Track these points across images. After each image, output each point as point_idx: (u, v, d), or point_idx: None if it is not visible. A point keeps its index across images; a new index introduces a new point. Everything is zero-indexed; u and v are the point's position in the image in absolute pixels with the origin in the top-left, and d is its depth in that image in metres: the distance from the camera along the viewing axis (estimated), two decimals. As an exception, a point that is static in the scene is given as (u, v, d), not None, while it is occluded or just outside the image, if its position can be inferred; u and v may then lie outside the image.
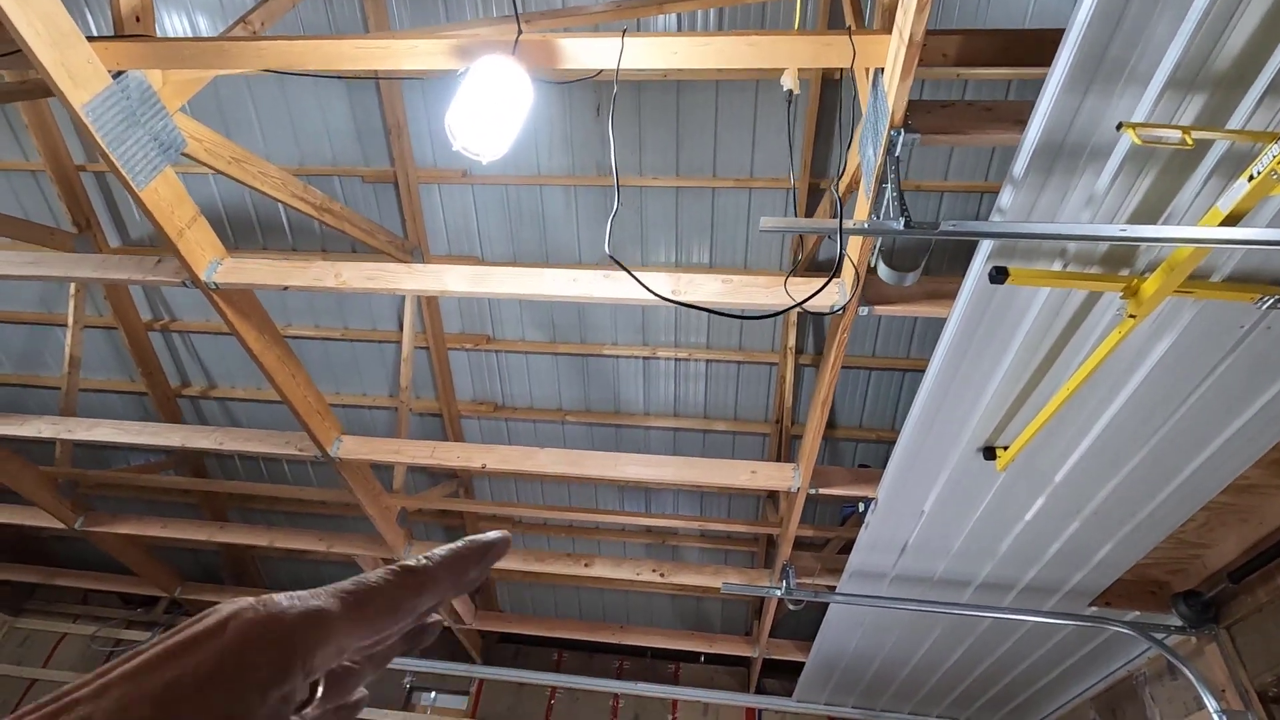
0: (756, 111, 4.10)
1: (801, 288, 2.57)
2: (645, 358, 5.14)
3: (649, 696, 6.39)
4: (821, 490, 3.47)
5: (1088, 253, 2.14)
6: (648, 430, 5.51)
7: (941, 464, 3.16)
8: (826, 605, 4.68)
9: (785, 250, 4.54)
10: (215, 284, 2.78)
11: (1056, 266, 2.20)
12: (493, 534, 0.45)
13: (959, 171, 4.12)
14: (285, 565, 6.94)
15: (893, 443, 5.24)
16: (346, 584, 0.38)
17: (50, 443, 5.05)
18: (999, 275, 2.11)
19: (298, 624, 0.33)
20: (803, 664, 5.81)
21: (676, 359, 5.13)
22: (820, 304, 2.49)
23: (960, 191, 4.16)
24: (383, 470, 5.08)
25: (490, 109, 1.87)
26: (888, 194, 2.00)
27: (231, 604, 0.33)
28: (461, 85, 1.94)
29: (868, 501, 3.53)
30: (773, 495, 5.44)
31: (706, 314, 4.94)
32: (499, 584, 6.71)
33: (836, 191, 2.28)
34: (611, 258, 1.83)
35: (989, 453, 3.03)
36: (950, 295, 2.48)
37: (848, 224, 1.90)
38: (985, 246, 2.20)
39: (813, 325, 4.87)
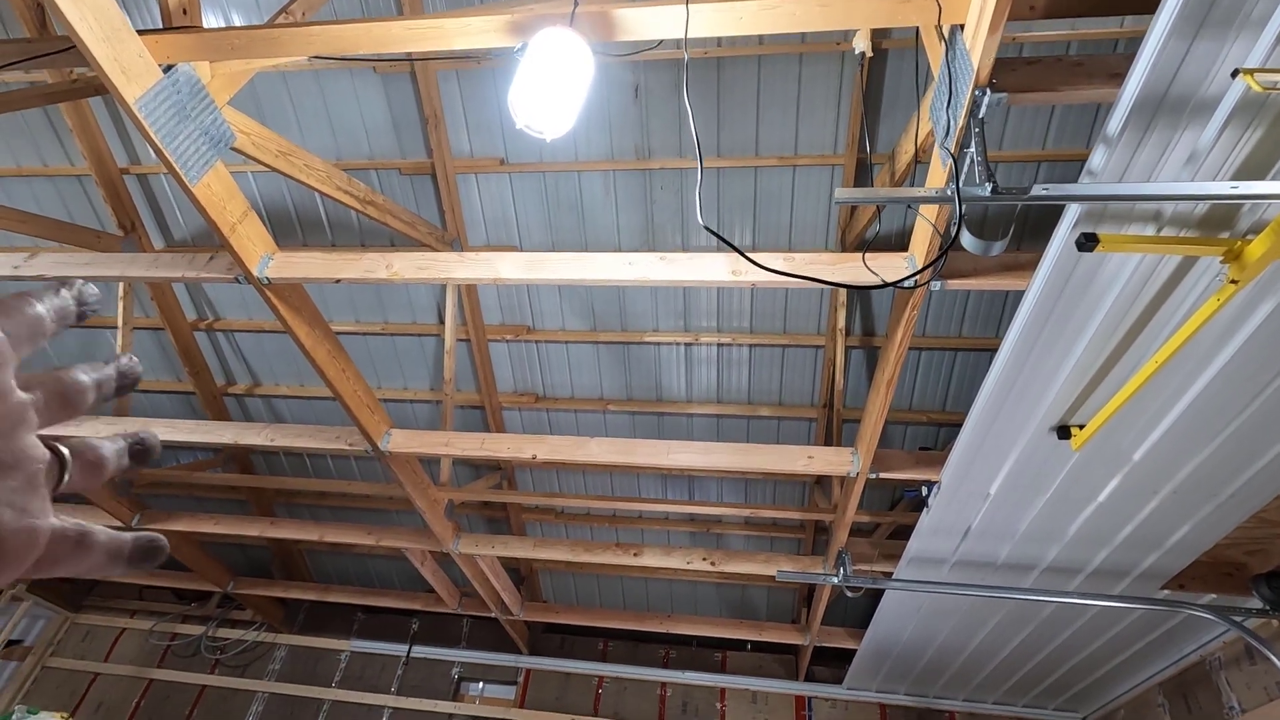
0: (800, 87, 3.96)
1: (859, 267, 2.47)
2: (687, 344, 5.06)
3: (696, 685, 6.36)
4: (882, 475, 3.36)
5: (1186, 215, 2.00)
6: (691, 418, 5.43)
7: (1011, 444, 3.03)
8: (880, 591, 4.58)
9: (832, 230, 4.41)
10: (267, 279, 2.76)
11: (1150, 231, 2.07)
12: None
13: (1014, 141, 3.94)
14: (331, 559, 7.02)
15: (945, 425, 5.18)
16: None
17: (105, 443, 5.13)
18: (1087, 242, 1.99)
19: None
20: (853, 651, 5.72)
21: (719, 344, 5.03)
22: (886, 278, 2.38)
23: (1016, 162, 3.99)
24: (428, 463, 5.08)
25: (551, 84, 1.80)
26: (969, 159, 1.88)
27: None
28: (520, 62, 1.87)
29: (930, 485, 3.42)
30: (820, 481, 5.34)
31: (750, 298, 4.87)
32: (543, 574, 6.72)
33: (914, 156, 2.16)
34: (707, 229, 1.74)
35: (1063, 431, 2.90)
36: (1028, 266, 2.36)
37: (929, 191, 1.79)
38: (1071, 213, 2.07)
39: (860, 306, 4.74)
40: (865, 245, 4.46)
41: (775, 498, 5.79)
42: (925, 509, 3.55)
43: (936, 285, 2.35)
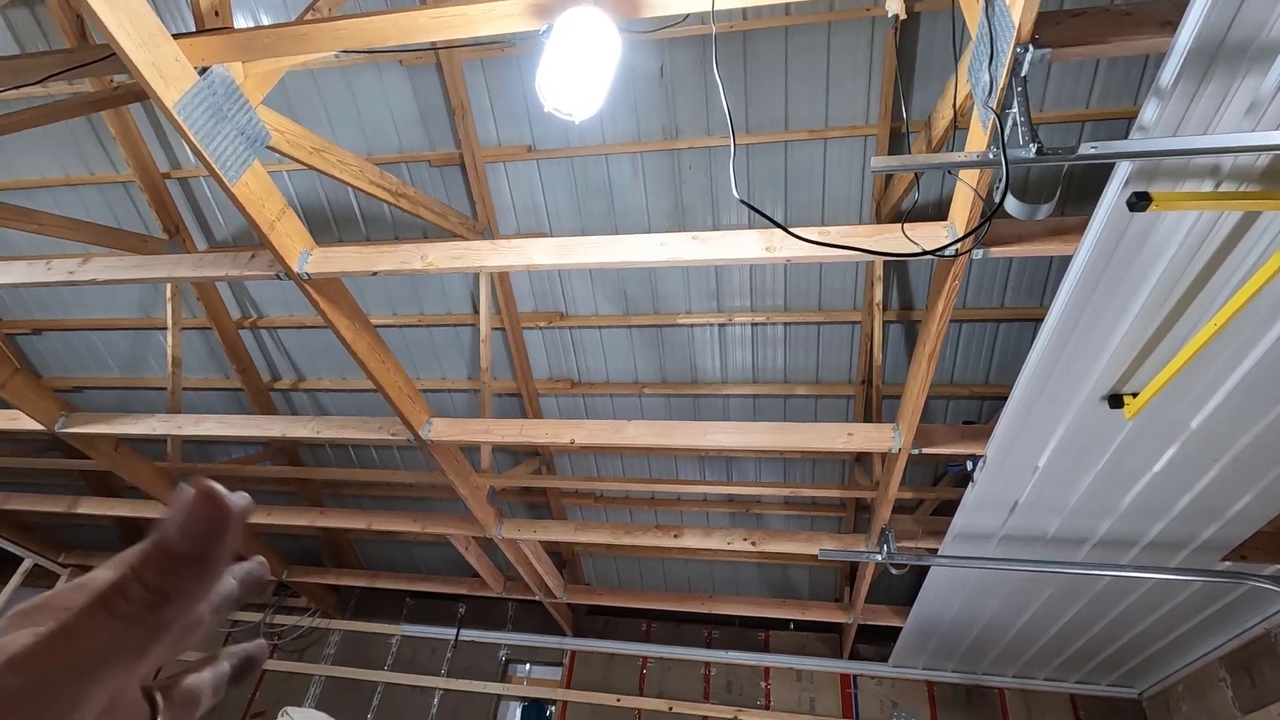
0: (829, 56, 3.87)
1: (898, 237, 2.40)
2: (721, 324, 5.02)
3: (740, 664, 6.39)
4: (925, 450, 3.30)
5: (1246, 168, 1.90)
6: (727, 399, 5.41)
7: (1060, 415, 2.95)
8: (925, 568, 4.52)
9: (866, 203, 4.32)
10: (307, 274, 2.81)
11: (1207, 187, 1.97)
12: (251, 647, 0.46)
13: (1055, 101, 3.79)
14: (378, 547, 7.21)
15: (988, 398, 5.06)
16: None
17: (161, 440, 5.34)
18: (1139, 202, 1.90)
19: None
20: (897, 629, 5.67)
21: (753, 324, 4.99)
22: (921, 248, 2.31)
23: (1058, 123, 3.84)
24: (468, 451, 5.17)
25: (578, 65, 1.78)
26: (1012, 120, 1.81)
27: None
28: (546, 44, 1.86)
29: (975, 459, 3.35)
30: (860, 458, 5.28)
31: (783, 276, 4.80)
32: (584, 558, 6.79)
33: (954, 119, 2.09)
34: (743, 202, 1.71)
35: (1115, 401, 2.80)
36: (1075, 230, 2.27)
37: (970, 155, 1.73)
38: (1122, 171, 1.98)
39: (897, 280, 4.64)
40: (901, 217, 4.37)
41: (815, 476, 5.74)
42: (970, 484, 3.48)
43: (979, 254, 2.28)
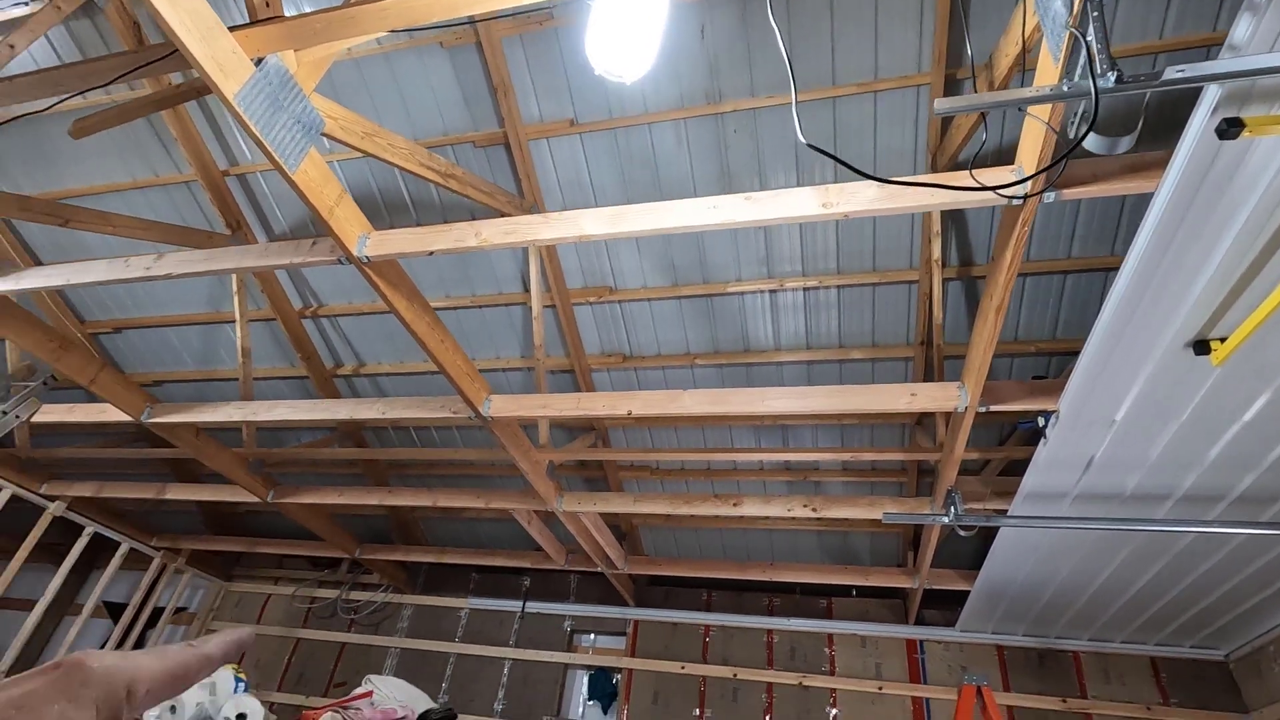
0: (878, 2, 3.72)
1: (964, 182, 2.31)
2: (772, 291, 4.95)
3: (804, 631, 6.39)
4: (993, 408, 3.20)
5: (1353, 84, 1.75)
6: (780, 366, 5.34)
7: (1140, 365, 2.81)
8: (992, 531, 4.41)
9: (920, 156, 4.16)
10: (366, 257, 2.88)
11: (1308, 107, 1.82)
12: (246, 630, 0.56)
13: (1124, 34, 3.55)
14: (444, 524, 7.44)
15: (1055, 354, 4.87)
16: (153, 648, 0.47)
17: (238, 427, 5.60)
18: (1230, 128, 1.77)
19: (116, 663, 0.42)
20: (964, 593, 5.57)
21: (805, 289, 4.90)
22: (984, 196, 2.22)
23: (1128, 56, 3.60)
24: (527, 427, 5.25)
25: (626, 25, 1.76)
26: (1086, 49, 1.70)
27: (72, 655, 0.42)
28: (592, 9, 1.83)
29: (1047, 415, 3.23)
30: (922, 421, 5.16)
31: (835, 237, 4.69)
32: (643, 530, 6.87)
33: (1021, 51, 1.98)
34: (810, 146, 1.67)
35: (1201, 347, 2.65)
36: (1156, 166, 2.14)
37: (1043, 90, 1.64)
38: (1210, 97, 1.85)
39: (955, 234, 4.48)
40: (959, 168, 4.20)
41: (872, 442, 5.65)
42: (1042, 441, 3.36)
43: (1050, 196, 2.17)
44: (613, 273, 5.11)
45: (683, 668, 6.42)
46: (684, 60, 4.04)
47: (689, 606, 6.85)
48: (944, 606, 6.20)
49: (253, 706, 3.17)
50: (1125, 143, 1.69)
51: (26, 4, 4.35)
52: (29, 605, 6.15)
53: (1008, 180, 2.16)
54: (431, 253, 2.84)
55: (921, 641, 6.13)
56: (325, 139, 2.80)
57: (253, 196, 5.19)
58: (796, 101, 1.67)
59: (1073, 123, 1.66)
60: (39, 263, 5.85)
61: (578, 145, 4.53)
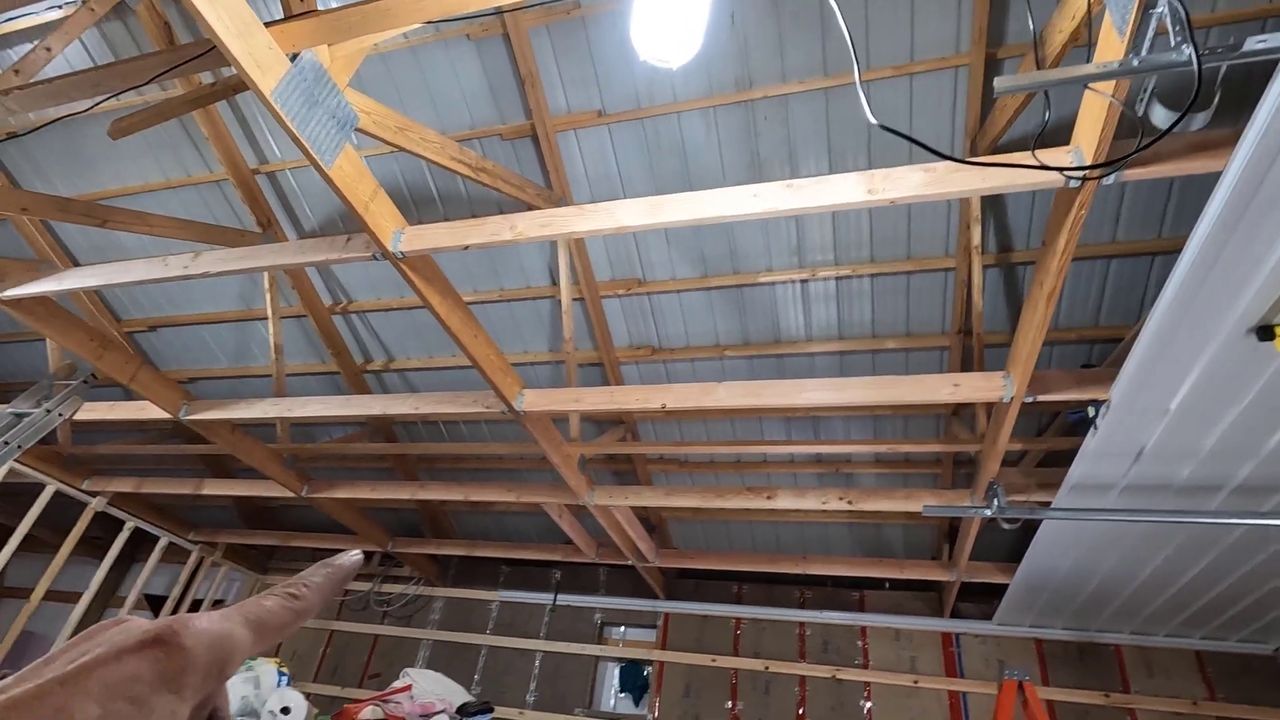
0: (914, -18, 3.61)
1: (1010, 170, 2.22)
2: (804, 280, 4.87)
3: (836, 624, 6.33)
4: (1040, 398, 3.11)
5: None
6: (812, 357, 5.26)
7: (1199, 352, 2.70)
8: (1031, 523, 4.32)
9: (958, 140, 4.05)
10: (402, 253, 2.87)
11: (1396, 77, 1.72)
12: (348, 556, 0.49)
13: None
14: (473, 518, 7.48)
15: (1098, 341, 4.73)
16: (250, 609, 0.41)
17: (272, 423, 5.67)
18: (1310, 102, 1.68)
19: (218, 643, 0.37)
20: (1001, 586, 5.48)
21: (838, 278, 4.81)
22: (1047, 178, 2.13)
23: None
24: (558, 421, 5.24)
25: (670, 9, 1.70)
26: (1157, 21, 1.62)
27: (157, 622, 0.37)
28: (634, -9, 1.78)
29: (1098, 404, 3.13)
30: (958, 411, 5.06)
31: (869, 225, 4.59)
32: (672, 523, 6.84)
33: (1085, 16, 1.89)
34: (883, 127, 1.61)
35: (1265, 332, 2.54)
36: (1224, 144, 2.04)
37: (1111, 65, 1.56)
38: (1288, 68, 1.75)
39: (994, 220, 4.36)
40: (999, 152, 4.08)
41: (906, 433, 5.55)
42: (1091, 431, 3.26)
43: (1111, 178, 2.08)
44: (641, 264, 5.07)
45: (714, 660, 6.40)
46: (714, 47, 3.97)
47: (720, 599, 6.82)
48: (980, 599, 6.10)
49: (296, 700, 3.21)
50: (1202, 118, 1.61)
51: (60, 7, 4.40)
52: (74, 597, 6.30)
53: (1066, 162, 2.08)
54: (467, 247, 2.82)
55: (957, 635, 6.03)
56: (354, 135, 2.79)
57: (282, 194, 5.22)
58: (859, 76, 1.60)
59: (1142, 99, 1.58)
60: (76, 263, 5.96)
61: (605, 136, 4.48)
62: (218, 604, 7.84)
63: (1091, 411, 3.15)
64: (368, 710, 3.23)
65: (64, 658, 0.34)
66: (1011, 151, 2.49)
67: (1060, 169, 1.92)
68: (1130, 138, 2.03)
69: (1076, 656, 5.74)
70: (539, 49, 4.16)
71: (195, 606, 7.26)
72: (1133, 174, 2.11)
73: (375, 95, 4.46)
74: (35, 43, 4.44)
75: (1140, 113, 1.60)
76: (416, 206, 5.05)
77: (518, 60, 4.14)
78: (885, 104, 4.05)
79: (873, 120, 1.60)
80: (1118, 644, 5.67)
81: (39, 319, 3.77)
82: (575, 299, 5.17)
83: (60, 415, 4.96)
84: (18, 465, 5.60)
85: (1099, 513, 3.66)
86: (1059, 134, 3.39)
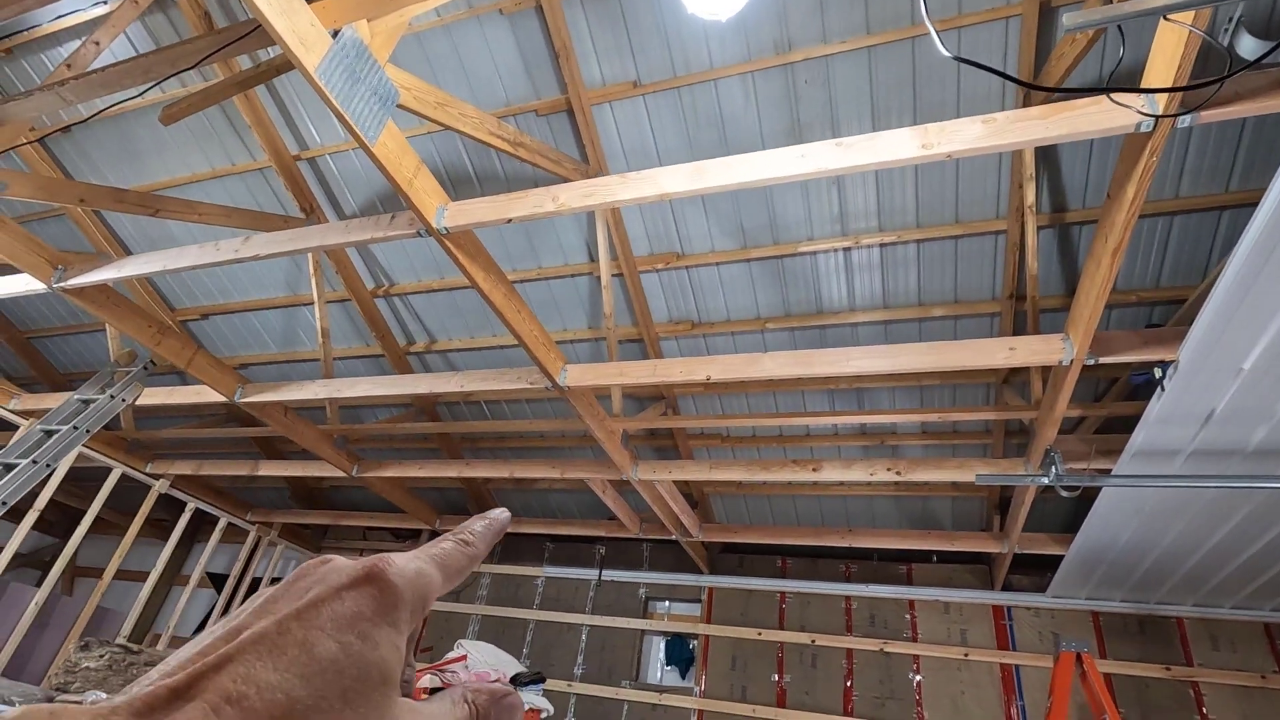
0: (962, -71, 3.45)
1: (1075, 115, 2.11)
2: (847, 249, 4.76)
3: (883, 597, 6.28)
4: (1103, 360, 2.99)
5: None
6: (855, 327, 5.16)
7: (1275, 309, 2.56)
8: (1088, 493, 4.18)
9: (1010, 93, 3.88)
10: (445, 229, 2.88)
11: None
12: (499, 512, 0.49)
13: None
14: (517, 495, 7.59)
15: (1160, 303, 4.53)
16: (434, 550, 0.42)
17: (322, 405, 5.81)
18: None
19: (418, 580, 0.38)
20: (1054, 557, 5.35)
21: (882, 245, 4.69)
22: (1117, 122, 2.02)
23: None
24: (600, 397, 5.26)
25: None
26: (1245, -57, 1.50)
27: (363, 560, 0.38)
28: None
29: (1165, 366, 3.00)
30: (1009, 378, 4.92)
31: (914, 189, 4.46)
32: (714, 498, 6.84)
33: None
34: (959, 59, 1.54)
35: (1353, 283, 2.39)
36: (1313, 78, 1.90)
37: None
38: (1391, -11, 1.61)
39: (1048, 178, 4.19)
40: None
41: (955, 401, 5.42)
42: (1157, 394, 3.13)
43: (1186, 120, 1.96)
44: (680, 238, 5.01)
45: (759, 634, 6.41)
46: (752, 11, 3.86)
47: (764, 574, 6.81)
48: (1032, 572, 5.98)
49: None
50: (1293, 48, 1.49)
51: (105, 2, 4.50)
52: (141, 576, 6.60)
53: (1139, 106, 1.96)
54: (510, 220, 2.81)
55: (1009, 608, 5.93)
56: (394, 112, 2.78)
57: (323, 180, 5.29)
58: (919, 32, 1.53)
59: (1226, 28, 1.47)
60: (129, 253, 6.15)
61: (641, 107, 4.42)
62: (275, 581, 8.13)
63: (1157, 373, 3.02)
64: (425, 679, 3.32)
65: (287, 597, 0.35)
66: (1104, 90, 2.37)
67: (1139, 101, 1.81)
68: (1205, 80, 1.90)
69: (1137, 629, 5.58)
70: (572, 20, 4.11)
71: (254, 585, 7.55)
72: (1210, 115, 1.98)
73: (411, 73, 4.49)
74: (84, 38, 4.56)
75: (1225, 43, 1.49)
76: (455, 186, 5.06)
77: (551, 33, 4.09)
78: (932, 60, 3.90)
79: (945, 52, 1.52)
80: (1180, 616, 5.50)
81: (100, 306, 3.91)
82: (614, 275, 5.15)
83: (123, 401, 5.16)
84: (86, 450, 5.85)
85: (1164, 480, 3.52)
86: (1123, 81, 3.23)
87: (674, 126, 4.45)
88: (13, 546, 5.57)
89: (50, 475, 5.18)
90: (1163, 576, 5.05)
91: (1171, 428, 3.37)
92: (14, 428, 5.96)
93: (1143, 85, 2.08)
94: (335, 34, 2.41)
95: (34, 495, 5.44)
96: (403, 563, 0.38)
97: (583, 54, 4.24)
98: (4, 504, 4.45)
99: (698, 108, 4.34)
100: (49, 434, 4.97)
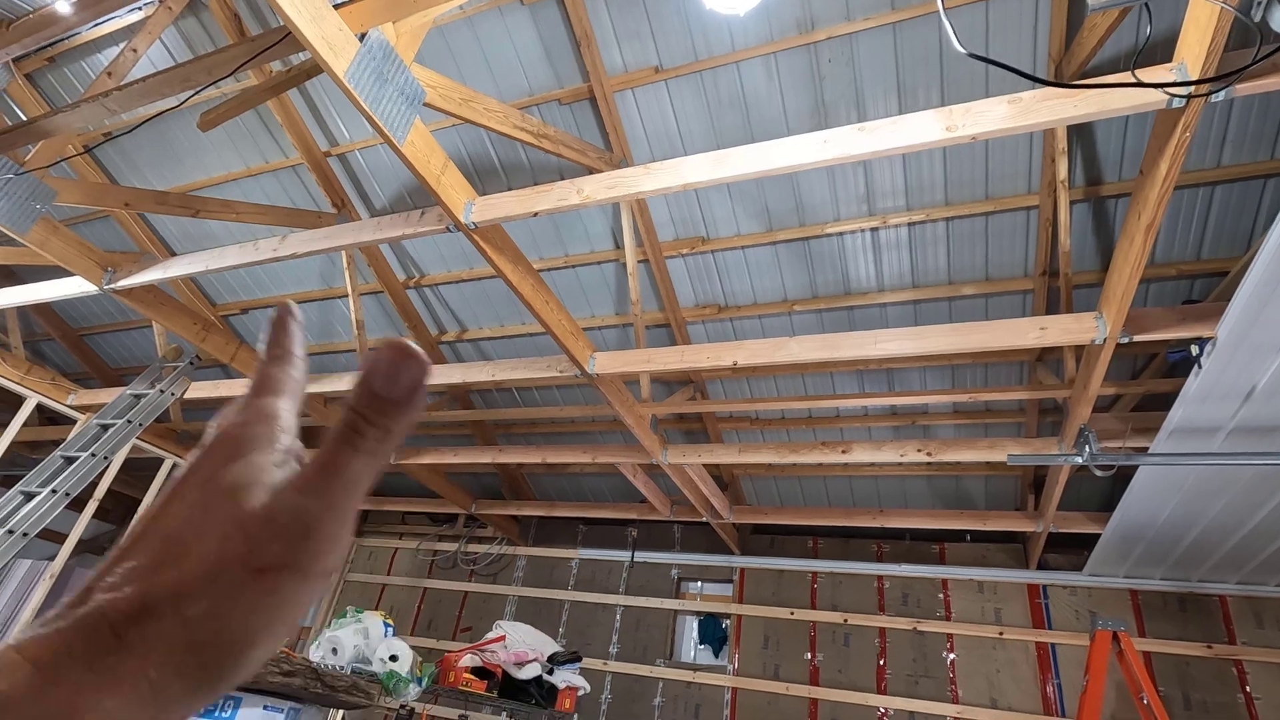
0: (988, -103, 3.36)
1: (1104, 94, 2.07)
2: (874, 229, 4.71)
3: (916, 577, 6.27)
4: (1137, 337, 2.94)
5: None
6: (884, 308, 5.12)
7: (1320, 281, 2.49)
8: (1125, 471, 4.12)
9: (1041, 66, 3.79)
10: (473, 223, 2.94)
11: None
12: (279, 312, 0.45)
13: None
14: (550, 480, 7.73)
15: (1200, 276, 4.41)
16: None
17: (358, 395, 5.95)
18: None
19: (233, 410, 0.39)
20: (1089, 536, 5.29)
21: (910, 224, 4.63)
22: (1147, 99, 1.98)
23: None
24: (629, 382, 5.32)
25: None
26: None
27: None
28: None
29: (1202, 342, 2.94)
30: (1043, 357, 4.84)
31: (943, 166, 4.39)
32: (744, 480, 6.88)
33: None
34: (973, 55, 1.55)
35: (1401, 254, 2.32)
36: (1356, 45, 1.84)
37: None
38: None
39: (1081, 151, 4.09)
40: (1086, 77, 3.79)
41: (987, 380, 5.36)
42: (1194, 371, 3.07)
43: (1219, 95, 1.92)
44: (705, 222, 5.01)
45: (792, 614, 6.47)
46: (774, -11, 3.82)
47: (795, 554, 6.85)
48: (1068, 550, 5.91)
49: (402, 648, 3.46)
50: (1330, 20, 1.45)
51: (140, 8, 4.63)
52: (196, 561, 6.90)
53: (1169, 79, 1.92)
54: (536, 213, 2.86)
55: (1045, 586, 5.88)
56: (421, 109, 2.84)
57: (353, 174, 5.40)
58: (944, 10, 1.52)
59: (1259, 3, 1.43)
60: (171, 252, 6.37)
61: (664, 93, 4.41)
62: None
63: (1195, 350, 2.96)
64: (466, 658, 3.45)
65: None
66: (1102, 75, 2.32)
67: (1165, 85, 1.78)
68: (1241, 49, 1.85)
69: (1177, 607, 5.50)
70: (593, 8, 4.11)
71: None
72: (1245, 88, 1.94)
73: (435, 69, 4.52)
74: (122, 45, 4.70)
75: (1258, 17, 1.46)
76: (480, 177, 5.13)
77: (572, 21, 4.10)
78: (959, 32, 3.82)
79: (960, 49, 1.52)
80: (1223, 594, 5.41)
81: (148, 305, 4.08)
82: (640, 261, 5.17)
83: (172, 395, 5.38)
84: (139, 441, 6.12)
85: (1204, 457, 3.46)
86: (1157, 52, 3.14)
87: (697, 110, 4.44)
88: (76, 533, 5.88)
89: (107, 467, 5.44)
90: (1204, 554, 4.97)
91: (1211, 405, 3.31)
92: (72, 422, 6.26)
93: (1175, 59, 2.03)
94: (362, 37, 2.47)
95: (93, 486, 5.72)
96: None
97: (604, 41, 4.24)
98: (68, 495, 4.71)
99: (720, 91, 4.32)
100: (105, 428, 5.21)
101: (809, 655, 6.29)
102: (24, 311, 7.06)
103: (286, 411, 0.40)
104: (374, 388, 0.35)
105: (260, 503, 0.34)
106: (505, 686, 4.25)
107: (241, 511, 0.33)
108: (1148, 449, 3.74)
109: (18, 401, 5.99)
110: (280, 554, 0.33)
